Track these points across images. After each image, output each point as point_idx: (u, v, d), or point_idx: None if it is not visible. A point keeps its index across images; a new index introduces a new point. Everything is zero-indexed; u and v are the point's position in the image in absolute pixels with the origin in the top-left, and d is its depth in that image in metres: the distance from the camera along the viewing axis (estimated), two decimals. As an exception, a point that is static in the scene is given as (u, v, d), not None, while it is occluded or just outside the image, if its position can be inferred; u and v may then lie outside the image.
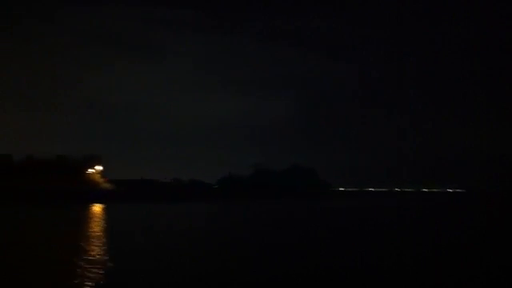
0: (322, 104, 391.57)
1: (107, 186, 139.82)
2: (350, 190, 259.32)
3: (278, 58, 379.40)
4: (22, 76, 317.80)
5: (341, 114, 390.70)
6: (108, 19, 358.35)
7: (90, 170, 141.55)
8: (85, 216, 66.64)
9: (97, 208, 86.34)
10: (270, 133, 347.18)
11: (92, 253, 28.54)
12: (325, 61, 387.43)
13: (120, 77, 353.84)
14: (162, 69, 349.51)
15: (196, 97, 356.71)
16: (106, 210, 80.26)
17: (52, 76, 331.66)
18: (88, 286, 19.49)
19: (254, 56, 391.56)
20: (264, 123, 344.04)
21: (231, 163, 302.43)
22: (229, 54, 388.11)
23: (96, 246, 32.03)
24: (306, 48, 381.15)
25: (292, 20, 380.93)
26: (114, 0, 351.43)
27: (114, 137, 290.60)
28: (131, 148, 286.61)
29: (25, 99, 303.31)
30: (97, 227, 47.16)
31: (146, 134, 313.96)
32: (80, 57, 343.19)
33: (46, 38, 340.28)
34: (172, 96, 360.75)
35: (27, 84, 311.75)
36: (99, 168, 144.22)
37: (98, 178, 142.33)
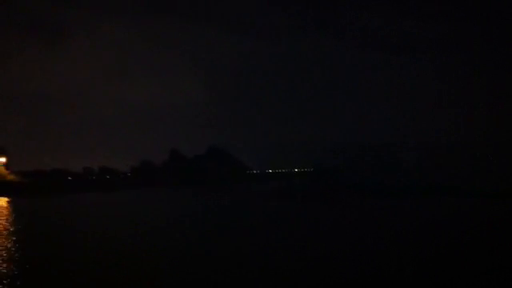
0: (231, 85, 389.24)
1: (12, 178, 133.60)
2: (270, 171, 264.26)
3: (189, 39, 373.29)
4: None
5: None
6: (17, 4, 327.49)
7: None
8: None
9: (1, 202, 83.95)
10: (184, 117, 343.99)
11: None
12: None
13: (27, 65, 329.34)
14: (68, 54, 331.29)
15: (106, 83, 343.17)
16: (11, 205, 78.62)
17: None
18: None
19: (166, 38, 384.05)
20: (176, 107, 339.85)
21: (146, 150, 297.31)
22: (142, 37, 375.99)
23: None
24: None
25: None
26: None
27: (20, 127, 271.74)
28: (39, 137, 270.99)
29: None
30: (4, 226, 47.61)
31: (55, 123, 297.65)
32: None
33: None
34: (81, 83, 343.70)
35: None
36: (3, 160, 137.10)
37: (2, 170, 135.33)
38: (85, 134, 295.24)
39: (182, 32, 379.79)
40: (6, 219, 52.91)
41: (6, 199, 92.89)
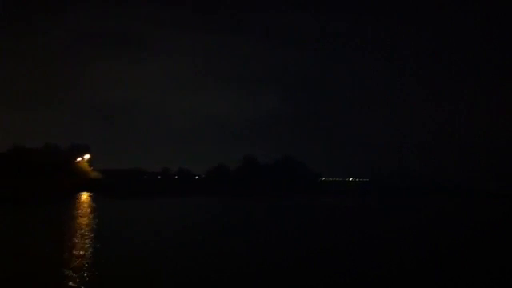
0: (308, 98, 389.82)
1: (95, 174, 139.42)
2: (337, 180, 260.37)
3: (262, 53, 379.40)
4: (12, 73, 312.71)
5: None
6: (99, 17, 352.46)
7: (79, 159, 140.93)
8: (73, 207, 66.92)
9: (84, 197, 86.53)
10: (261, 127, 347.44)
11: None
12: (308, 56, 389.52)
13: (110, 75, 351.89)
14: (151, 66, 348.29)
15: (184, 93, 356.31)
16: (94, 201, 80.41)
17: (42, 74, 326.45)
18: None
19: (240, 51, 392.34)
20: (254, 118, 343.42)
21: (222, 158, 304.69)
22: (215, 50, 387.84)
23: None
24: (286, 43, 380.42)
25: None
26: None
27: (104, 130, 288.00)
28: (121, 139, 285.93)
29: (15, 97, 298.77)
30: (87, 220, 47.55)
31: (136, 129, 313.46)
32: (69, 55, 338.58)
33: (40, 36, 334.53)
34: (161, 92, 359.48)
35: (17, 81, 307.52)
36: (87, 156, 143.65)
37: (86, 166, 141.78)
38: (163, 143, 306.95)
39: (255, 47, 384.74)
40: (87, 213, 53.33)
41: (87, 194, 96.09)
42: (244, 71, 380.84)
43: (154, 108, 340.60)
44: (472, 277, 22.29)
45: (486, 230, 45.53)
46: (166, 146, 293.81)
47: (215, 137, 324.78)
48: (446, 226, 48.11)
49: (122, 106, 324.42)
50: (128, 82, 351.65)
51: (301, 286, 19.80)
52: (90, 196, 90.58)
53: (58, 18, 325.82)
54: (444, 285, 20.74)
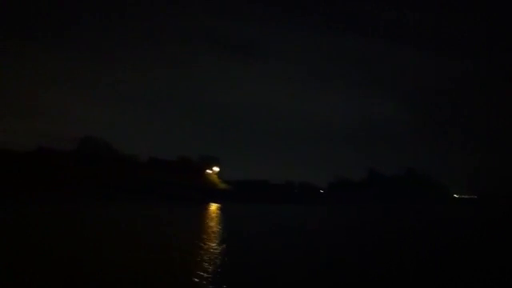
0: (431, 106, 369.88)
1: (223, 186, 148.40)
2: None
3: (383, 56, 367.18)
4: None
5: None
6: (209, 18, 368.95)
7: (208, 171, 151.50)
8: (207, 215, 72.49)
9: (214, 208, 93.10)
10: (382, 135, 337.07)
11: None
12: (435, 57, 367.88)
13: (229, 77, 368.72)
14: (265, 69, 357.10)
15: (304, 99, 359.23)
16: (223, 210, 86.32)
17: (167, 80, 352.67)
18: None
19: (360, 56, 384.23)
20: (375, 126, 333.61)
21: (343, 165, 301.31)
22: (334, 53, 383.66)
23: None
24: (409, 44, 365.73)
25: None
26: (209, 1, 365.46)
27: (228, 138, 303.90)
28: (244, 149, 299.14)
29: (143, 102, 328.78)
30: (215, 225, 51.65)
31: (258, 135, 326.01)
32: (191, 61, 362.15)
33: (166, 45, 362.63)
34: (282, 98, 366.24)
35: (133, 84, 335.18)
36: (216, 169, 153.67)
37: (215, 178, 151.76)
38: (280, 147, 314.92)
39: (374, 51, 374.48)
40: (216, 223, 57.54)
41: (217, 205, 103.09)
42: (359, 76, 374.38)
43: (269, 113, 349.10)
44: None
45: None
46: (287, 155, 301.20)
47: (331, 145, 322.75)
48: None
49: (236, 112, 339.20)
50: (242, 86, 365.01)
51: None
52: (219, 207, 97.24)
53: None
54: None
